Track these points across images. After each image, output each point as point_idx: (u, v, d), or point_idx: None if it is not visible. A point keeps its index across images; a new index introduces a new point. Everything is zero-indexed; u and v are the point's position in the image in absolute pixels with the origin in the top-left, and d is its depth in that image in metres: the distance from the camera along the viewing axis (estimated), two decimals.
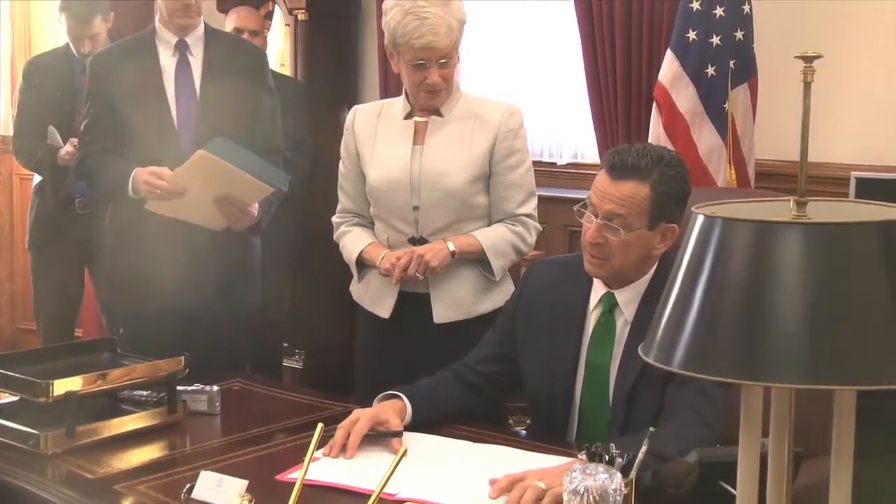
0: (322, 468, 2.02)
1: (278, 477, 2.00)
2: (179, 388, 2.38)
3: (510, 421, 2.96)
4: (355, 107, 2.90)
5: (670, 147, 3.13)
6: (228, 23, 4.23)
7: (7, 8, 5.75)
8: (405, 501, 1.86)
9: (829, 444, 1.28)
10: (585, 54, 3.96)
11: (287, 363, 4.59)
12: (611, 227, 2.15)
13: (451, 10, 2.64)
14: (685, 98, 3.43)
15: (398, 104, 2.79)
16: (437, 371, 2.40)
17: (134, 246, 3.04)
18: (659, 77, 3.49)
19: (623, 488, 1.65)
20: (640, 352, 1.30)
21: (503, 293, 2.70)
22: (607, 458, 1.69)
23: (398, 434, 2.15)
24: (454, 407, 2.34)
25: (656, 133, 3.48)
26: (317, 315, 4.57)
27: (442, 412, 2.30)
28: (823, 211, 1.23)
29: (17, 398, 2.28)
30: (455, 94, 2.75)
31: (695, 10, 3.41)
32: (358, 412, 2.18)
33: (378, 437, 2.14)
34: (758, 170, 3.53)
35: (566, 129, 4.35)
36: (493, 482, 1.91)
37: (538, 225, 2.79)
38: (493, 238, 2.72)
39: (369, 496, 1.70)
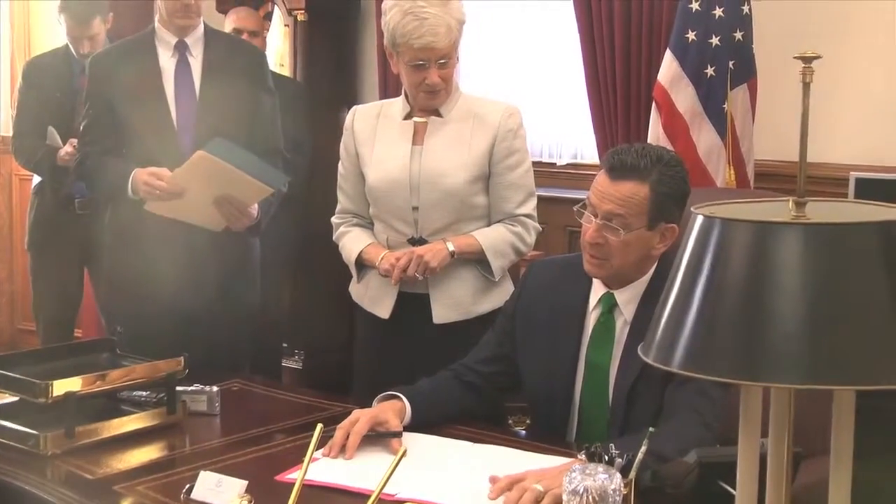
0: (321, 468, 2.02)
1: (278, 477, 2.00)
2: (179, 388, 2.38)
3: (510, 421, 2.96)
4: (355, 107, 2.90)
5: (669, 147, 3.13)
6: (227, 23, 4.23)
7: (7, 8, 5.75)
8: (405, 502, 1.86)
9: (828, 444, 1.28)
10: (585, 55, 3.96)
11: (286, 364, 4.59)
12: (610, 227, 2.15)
13: (451, 10, 2.64)
14: (684, 98, 3.43)
15: (397, 104, 2.79)
16: (437, 371, 2.40)
17: (133, 246, 3.04)
18: (658, 77, 3.49)
19: (622, 488, 1.65)
20: (639, 352, 1.30)
21: (503, 293, 2.70)
22: (607, 458, 1.70)
23: (398, 434, 2.15)
24: (454, 407, 2.34)
25: (655, 133, 3.48)
26: (316, 315, 4.56)
27: (441, 412, 2.30)
28: (822, 211, 1.23)
29: (16, 399, 2.28)
30: (454, 94, 2.75)
31: (694, 10, 3.41)
32: (357, 412, 2.18)
33: (377, 437, 2.14)
34: (757, 170, 3.53)
35: (566, 130, 4.35)
36: (493, 480, 1.91)
37: (537, 225, 2.79)
38: (493, 238, 2.72)
39: (369, 496, 1.70)
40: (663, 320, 1.26)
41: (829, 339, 1.13)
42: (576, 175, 4.22)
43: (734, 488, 1.34)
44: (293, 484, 1.73)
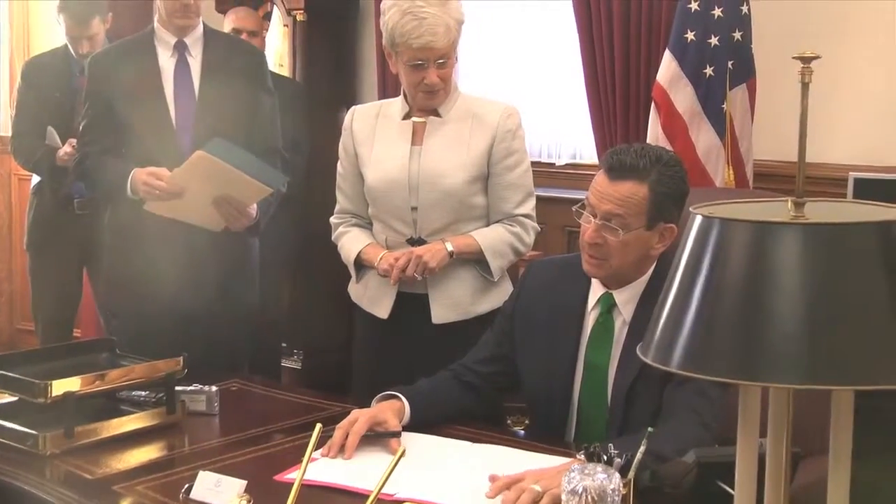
0: (320, 468, 2.02)
1: (277, 477, 2.00)
2: (178, 388, 2.38)
3: (508, 421, 2.96)
4: (353, 107, 2.90)
5: (668, 147, 3.13)
6: (227, 23, 4.22)
7: (6, 8, 5.75)
8: (404, 501, 1.86)
9: (826, 443, 1.28)
10: (584, 55, 3.96)
11: (285, 363, 4.59)
12: (609, 227, 2.15)
13: (450, 10, 2.64)
14: (683, 98, 3.43)
15: (396, 104, 2.79)
16: (436, 371, 2.40)
17: (132, 246, 3.04)
18: (657, 77, 3.49)
19: (621, 488, 1.65)
20: (638, 352, 1.30)
21: (501, 294, 2.70)
22: (605, 458, 1.70)
23: (396, 434, 2.15)
24: (453, 407, 2.34)
25: (654, 133, 3.48)
26: (315, 315, 4.56)
27: (440, 412, 2.30)
28: (821, 211, 1.23)
29: (15, 398, 2.28)
30: (453, 94, 2.75)
31: (693, 10, 3.41)
32: (356, 412, 2.18)
33: (376, 437, 2.14)
34: (756, 170, 3.53)
35: (565, 130, 4.36)
36: (492, 479, 1.91)
37: (536, 225, 2.79)
38: (492, 238, 2.72)
39: (367, 496, 1.70)
40: (662, 320, 1.26)
41: (827, 339, 1.13)
42: (575, 175, 4.22)
43: (733, 488, 1.34)
44: (292, 484, 1.73)
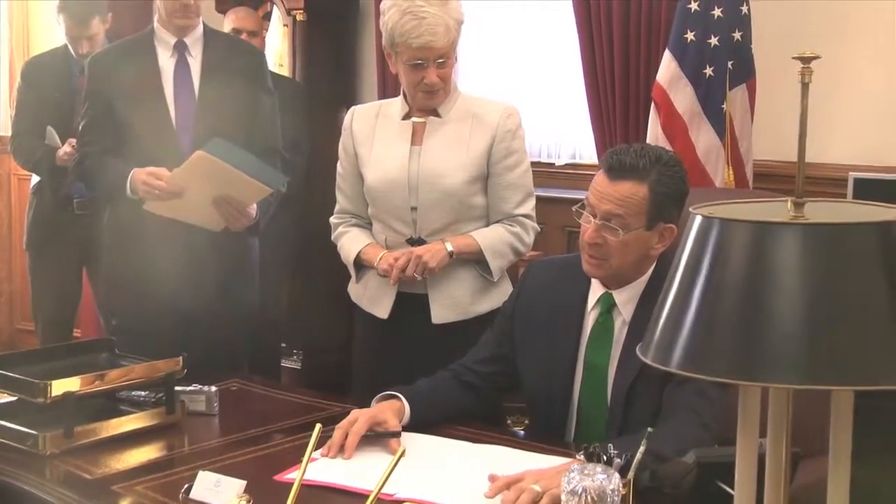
0: (320, 468, 2.02)
1: (276, 477, 2.00)
2: (177, 388, 2.38)
3: (508, 421, 2.96)
4: (353, 107, 2.89)
5: (668, 147, 3.13)
6: (226, 23, 4.23)
7: (6, 8, 5.75)
8: (403, 501, 1.86)
9: (826, 444, 1.28)
10: (584, 55, 3.96)
11: (285, 363, 4.59)
12: (609, 227, 2.15)
13: (449, 9, 2.64)
14: (683, 98, 3.43)
15: (396, 104, 2.79)
16: (436, 371, 2.40)
17: (132, 246, 3.04)
18: (657, 77, 3.49)
19: (621, 488, 1.65)
20: (638, 352, 1.30)
21: (501, 294, 2.70)
22: (605, 458, 1.69)
23: (396, 434, 2.15)
24: (452, 407, 2.34)
25: (654, 133, 3.48)
26: (315, 315, 4.56)
27: (440, 412, 2.30)
28: (821, 211, 1.23)
29: (15, 398, 2.27)
30: (453, 94, 2.75)
31: (693, 10, 3.41)
32: (356, 412, 2.18)
33: (376, 437, 2.14)
34: (756, 170, 3.53)
35: (564, 130, 4.36)
36: (492, 478, 1.91)
37: (536, 225, 2.79)
38: (492, 238, 2.72)
39: (367, 496, 1.70)
40: (662, 320, 1.26)
41: (827, 339, 1.13)
42: (574, 175, 4.22)
43: (732, 488, 1.34)
44: (292, 484, 1.73)
